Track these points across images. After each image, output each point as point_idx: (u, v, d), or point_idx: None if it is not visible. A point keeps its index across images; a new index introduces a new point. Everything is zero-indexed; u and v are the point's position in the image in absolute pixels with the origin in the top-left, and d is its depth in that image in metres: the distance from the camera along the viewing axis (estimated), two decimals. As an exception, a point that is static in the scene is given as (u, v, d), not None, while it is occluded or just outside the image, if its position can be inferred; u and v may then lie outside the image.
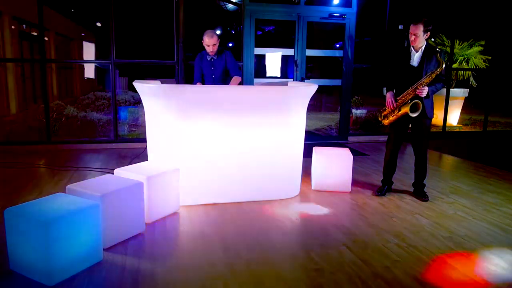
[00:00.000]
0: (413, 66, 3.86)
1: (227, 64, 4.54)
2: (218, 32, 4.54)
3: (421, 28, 3.71)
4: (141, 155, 5.55)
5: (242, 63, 6.50)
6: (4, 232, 2.61)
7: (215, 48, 4.44)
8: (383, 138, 7.15)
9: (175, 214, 3.59)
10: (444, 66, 3.71)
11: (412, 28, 3.75)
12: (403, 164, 5.47)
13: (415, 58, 3.85)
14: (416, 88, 3.77)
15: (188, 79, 6.52)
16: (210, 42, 4.41)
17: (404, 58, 3.90)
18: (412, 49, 3.86)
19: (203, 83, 4.70)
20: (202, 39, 4.49)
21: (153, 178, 3.29)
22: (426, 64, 3.78)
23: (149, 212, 3.30)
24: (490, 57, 8.66)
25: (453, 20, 7.84)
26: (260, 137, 3.83)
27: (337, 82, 7.15)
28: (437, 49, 3.76)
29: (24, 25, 9.89)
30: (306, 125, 4.36)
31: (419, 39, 3.75)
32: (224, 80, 4.58)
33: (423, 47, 3.82)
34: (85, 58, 13.53)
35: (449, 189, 4.45)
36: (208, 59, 4.57)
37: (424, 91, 3.74)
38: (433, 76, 3.73)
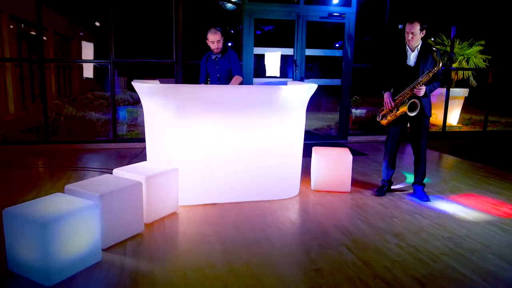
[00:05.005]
0: (409, 66, 3.86)
1: (231, 63, 4.55)
2: (218, 31, 4.54)
3: (417, 26, 3.71)
4: (140, 155, 5.54)
5: (241, 63, 6.48)
6: (3, 233, 2.60)
7: (220, 44, 4.46)
8: (383, 138, 7.14)
9: (174, 214, 3.57)
10: (440, 64, 3.71)
11: (408, 27, 3.75)
12: (403, 164, 5.46)
13: (412, 57, 3.85)
14: (414, 87, 3.77)
15: (187, 79, 6.51)
16: (214, 38, 4.43)
17: (401, 58, 3.90)
18: (408, 49, 3.86)
19: (207, 83, 4.71)
20: (206, 39, 4.50)
21: (152, 178, 3.28)
22: (423, 63, 3.78)
23: (148, 212, 3.29)
24: (490, 57, 8.66)
25: (453, 20, 7.83)
26: (259, 137, 3.82)
27: (336, 81, 7.14)
28: (434, 48, 3.77)
29: (22, 25, 9.86)
30: (306, 125, 4.35)
31: (416, 37, 3.75)
32: (229, 79, 4.59)
33: (419, 47, 3.82)
34: (84, 57, 13.51)
35: (449, 189, 4.44)
36: (213, 58, 4.60)
37: (422, 90, 3.74)
38: (430, 75, 3.73)
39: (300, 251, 2.91)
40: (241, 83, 4.53)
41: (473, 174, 5.11)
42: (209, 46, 4.56)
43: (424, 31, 3.76)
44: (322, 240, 3.09)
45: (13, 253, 2.50)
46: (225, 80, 4.60)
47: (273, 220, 3.49)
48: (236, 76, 4.50)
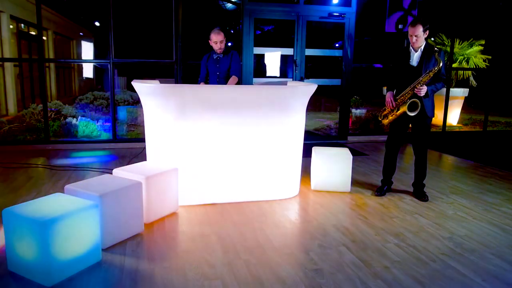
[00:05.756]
0: (412, 66, 3.86)
1: (231, 63, 4.56)
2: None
3: (420, 28, 3.71)
4: (139, 155, 5.54)
5: (241, 63, 6.48)
6: (2, 233, 2.59)
7: (223, 44, 4.49)
8: (383, 138, 7.15)
9: (174, 214, 3.57)
10: (441, 64, 3.71)
11: (411, 30, 3.75)
12: (403, 164, 5.46)
13: (415, 58, 3.85)
14: (415, 87, 3.77)
15: (187, 79, 6.50)
16: (217, 38, 4.45)
17: (404, 58, 3.90)
18: (412, 49, 3.86)
19: (207, 83, 4.71)
20: (209, 39, 4.50)
21: (152, 178, 3.28)
22: (426, 63, 3.78)
23: (147, 212, 3.29)
24: (490, 57, 8.66)
25: (453, 19, 7.83)
26: (259, 137, 3.82)
27: (336, 81, 7.14)
28: (436, 48, 3.77)
29: (22, 25, 9.86)
30: (306, 125, 4.35)
31: (420, 39, 3.76)
32: (228, 79, 4.60)
33: (422, 47, 3.82)
34: (83, 57, 13.51)
35: (449, 189, 4.44)
36: (214, 57, 4.61)
37: (422, 90, 3.74)
38: (431, 75, 3.73)
39: (300, 251, 2.91)
40: (237, 84, 4.54)
41: (473, 174, 5.11)
42: (211, 46, 4.56)
43: (428, 31, 3.77)
44: (322, 240, 3.09)
45: (13, 253, 2.50)
46: (224, 79, 4.60)
47: (273, 220, 3.49)
48: (233, 77, 4.51)
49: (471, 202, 4.03)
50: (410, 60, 3.87)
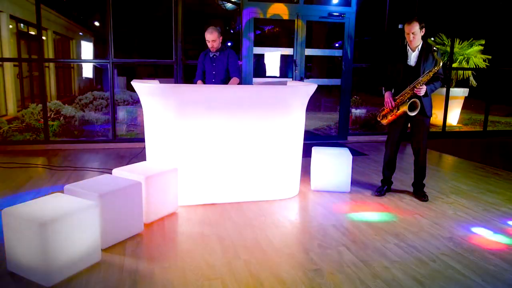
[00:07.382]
0: (410, 66, 3.86)
1: (228, 64, 4.54)
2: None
3: (416, 26, 3.71)
4: (139, 155, 5.53)
5: (241, 63, 6.48)
6: (2, 233, 2.59)
7: (215, 44, 4.47)
8: (383, 137, 7.13)
9: (173, 214, 3.57)
10: (441, 64, 3.71)
11: (407, 28, 3.75)
12: (403, 164, 5.45)
13: (412, 57, 3.85)
14: (414, 87, 3.76)
15: (187, 79, 6.50)
16: (209, 37, 4.44)
17: (401, 58, 3.90)
18: (409, 49, 3.86)
19: (204, 81, 4.69)
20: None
21: (151, 178, 3.28)
22: (423, 63, 3.78)
23: (147, 212, 3.28)
24: (490, 57, 8.65)
25: (453, 19, 7.83)
26: (259, 137, 3.82)
27: (336, 81, 7.13)
28: (434, 48, 3.77)
29: (22, 24, 9.85)
30: (306, 125, 4.35)
31: (417, 37, 3.76)
32: (225, 78, 4.58)
33: (419, 46, 3.82)
34: (83, 57, 13.50)
35: (449, 189, 4.44)
36: (211, 55, 4.59)
37: (422, 90, 3.74)
38: (431, 74, 3.73)
39: (299, 251, 2.91)
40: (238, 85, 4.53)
41: (473, 174, 5.11)
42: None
43: (424, 29, 3.77)
44: (322, 240, 3.09)
45: (12, 253, 2.49)
46: (220, 79, 4.58)
47: (273, 220, 3.49)
48: (234, 78, 4.49)
49: (471, 202, 4.03)
50: (408, 60, 3.87)
